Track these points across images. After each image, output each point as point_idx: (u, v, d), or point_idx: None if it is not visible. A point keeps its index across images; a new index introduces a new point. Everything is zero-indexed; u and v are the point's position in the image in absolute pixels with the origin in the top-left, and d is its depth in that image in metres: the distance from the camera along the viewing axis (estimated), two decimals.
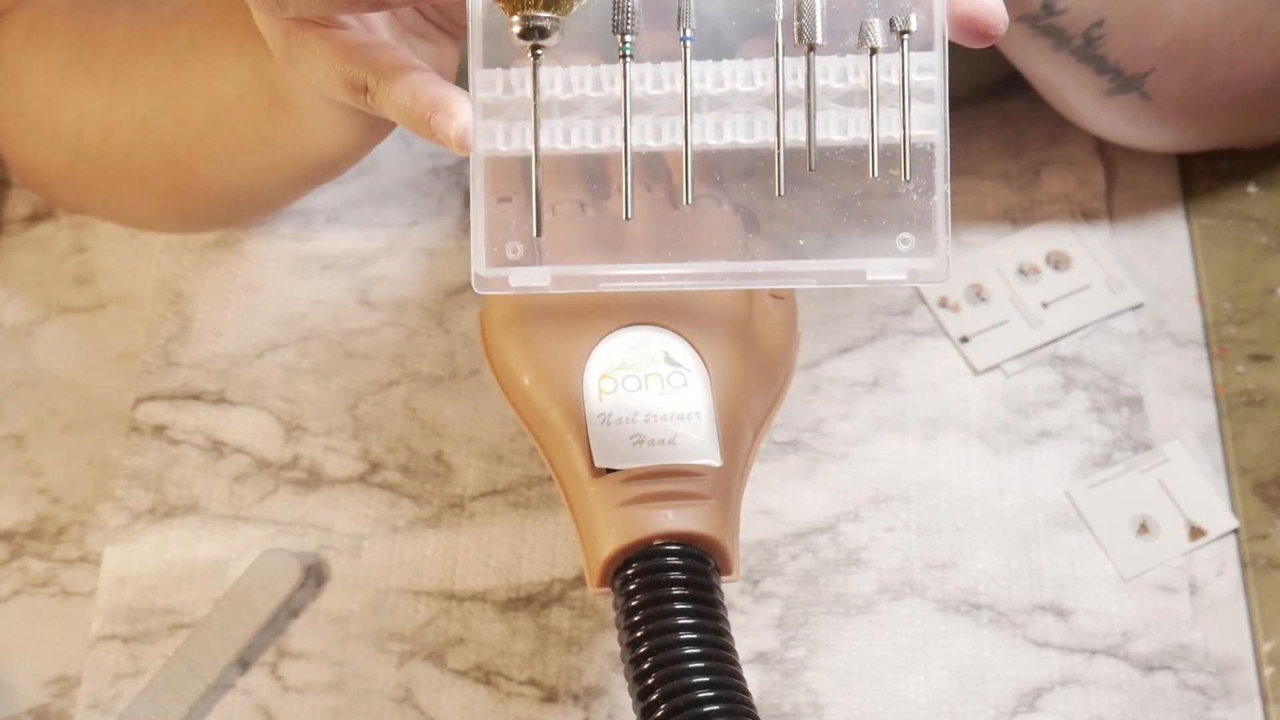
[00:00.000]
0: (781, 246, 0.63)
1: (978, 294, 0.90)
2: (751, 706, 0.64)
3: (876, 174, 0.60)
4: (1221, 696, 0.79)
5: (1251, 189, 0.93)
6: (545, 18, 0.59)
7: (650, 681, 0.63)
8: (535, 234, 0.60)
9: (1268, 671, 0.80)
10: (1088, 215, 0.92)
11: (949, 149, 0.60)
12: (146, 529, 0.84)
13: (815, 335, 0.88)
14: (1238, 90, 0.85)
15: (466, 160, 0.61)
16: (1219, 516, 0.83)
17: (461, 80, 0.63)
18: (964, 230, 0.92)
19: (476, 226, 0.61)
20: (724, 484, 0.67)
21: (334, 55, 0.61)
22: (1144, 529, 0.83)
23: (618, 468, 0.66)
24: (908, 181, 0.60)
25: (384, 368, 0.89)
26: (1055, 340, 0.88)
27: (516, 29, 0.59)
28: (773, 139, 0.60)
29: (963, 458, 0.85)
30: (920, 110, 0.60)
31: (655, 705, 0.63)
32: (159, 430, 0.87)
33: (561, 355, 0.68)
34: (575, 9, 0.59)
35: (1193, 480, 0.84)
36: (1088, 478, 0.85)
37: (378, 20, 0.65)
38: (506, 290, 0.62)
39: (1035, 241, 0.91)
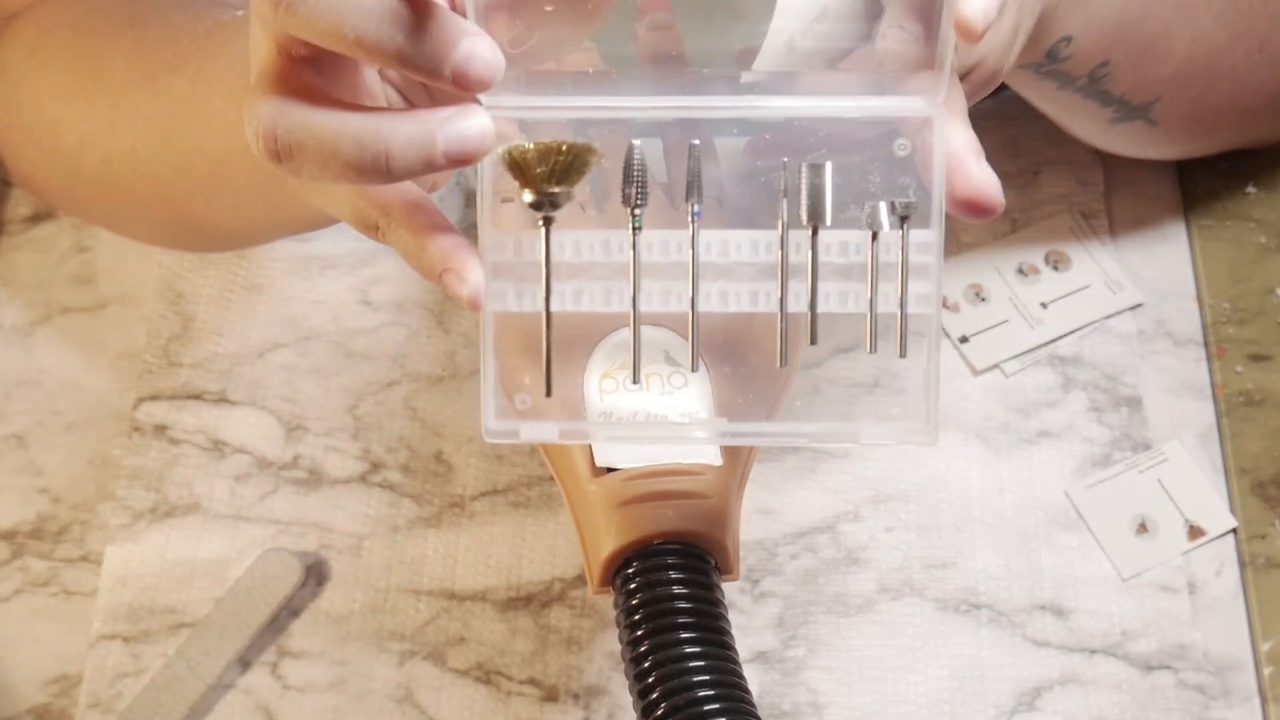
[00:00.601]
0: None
1: (977, 294, 0.90)
2: (751, 706, 0.64)
3: (874, 350, 0.62)
4: (1221, 696, 0.79)
5: (1251, 189, 0.93)
6: (557, 191, 0.60)
7: (650, 681, 0.63)
8: (546, 394, 0.62)
9: (1267, 671, 0.80)
10: (1087, 215, 0.92)
11: (940, 325, 0.63)
12: (147, 528, 0.85)
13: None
14: (1242, 106, 0.86)
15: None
16: (1218, 516, 0.83)
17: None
18: (964, 230, 0.92)
19: (486, 382, 0.63)
20: (724, 484, 0.67)
21: (347, 193, 0.61)
22: (1143, 529, 0.83)
23: (618, 467, 0.66)
24: (902, 358, 0.62)
25: (384, 368, 0.89)
26: (1054, 340, 0.88)
27: (528, 199, 0.60)
28: (774, 309, 0.62)
29: (962, 457, 0.85)
30: (916, 289, 0.62)
31: (655, 704, 0.63)
32: (160, 430, 0.87)
33: (562, 355, 0.68)
34: (584, 180, 0.61)
35: (1192, 480, 0.84)
36: (1087, 477, 0.85)
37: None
38: (515, 441, 0.64)
39: (1035, 242, 0.91)
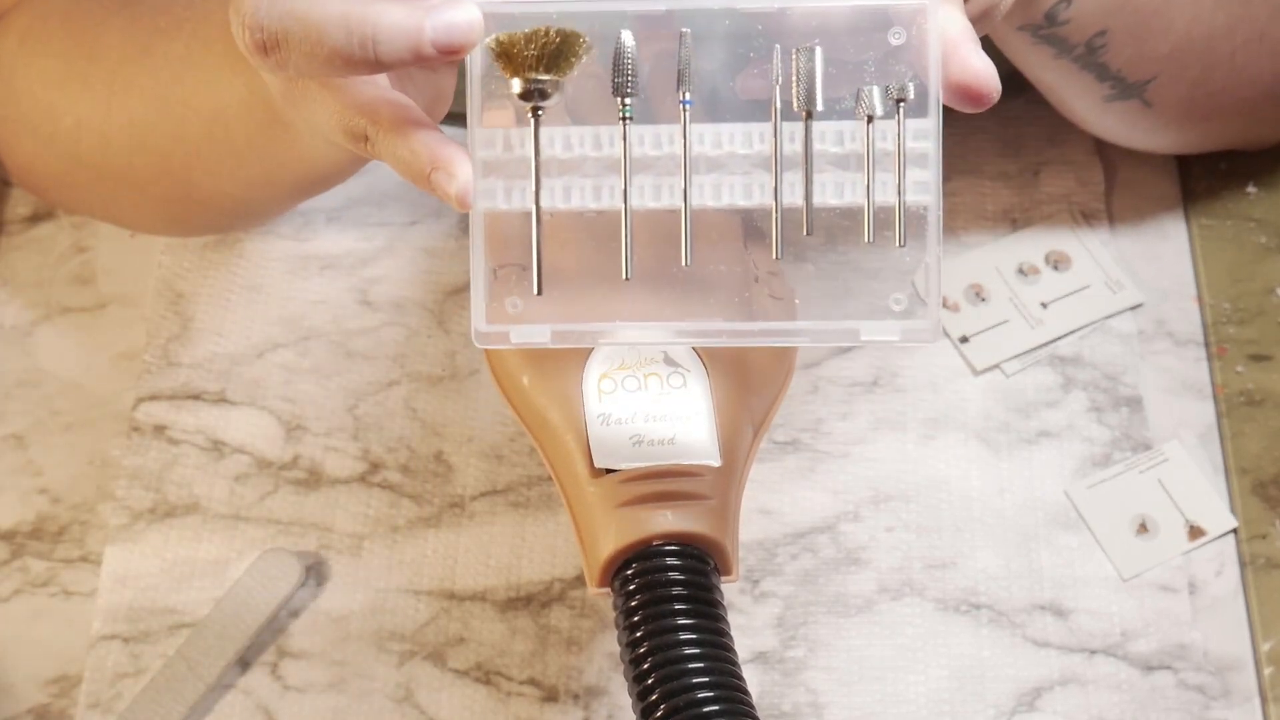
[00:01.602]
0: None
1: (977, 294, 0.90)
2: (751, 706, 0.64)
3: (871, 239, 0.61)
4: (1221, 696, 0.79)
5: (1251, 189, 0.93)
6: (545, 79, 0.60)
7: (650, 681, 0.63)
8: (536, 292, 0.61)
9: (1267, 671, 0.80)
10: (1087, 215, 0.92)
11: (941, 213, 0.61)
12: (147, 529, 0.85)
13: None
14: (1238, 96, 0.85)
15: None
16: (1218, 516, 0.83)
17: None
18: (964, 230, 0.92)
19: (476, 282, 0.62)
20: (724, 484, 0.67)
21: (334, 103, 0.61)
22: (1143, 529, 0.83)
23: (617, 468, 0.66)
24: (902, 246, 0.61)
25: (384, 368, 0.89)
26: (1055, 340, 0.88)
27: (517, 90, 0.60)
28: (770, 201, 0.61)
29: (962, 457, 0.85)
30: (915, 176, 0.61)
31: (655, 705, 0.63)
32: (159, 430, 0.87)
33: (561, 355, 0.69)
34: (575, 70, 0.60)
35: (1192, 480, 0.84)
36: (1087, 477, 0.85)
37: None
38: (507, 345, 0.63)
39: (1035, 241, 0.91)
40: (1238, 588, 0.82)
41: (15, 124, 0.87)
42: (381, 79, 0.65)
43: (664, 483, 0.66)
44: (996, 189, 0.93)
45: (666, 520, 0.65)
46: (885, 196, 0.61)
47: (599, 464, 0.66)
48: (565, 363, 0.68)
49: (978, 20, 0.65)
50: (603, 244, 0.63)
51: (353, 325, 0.90)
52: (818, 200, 0.61)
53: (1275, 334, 0.88)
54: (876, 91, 0.61)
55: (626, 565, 0.65)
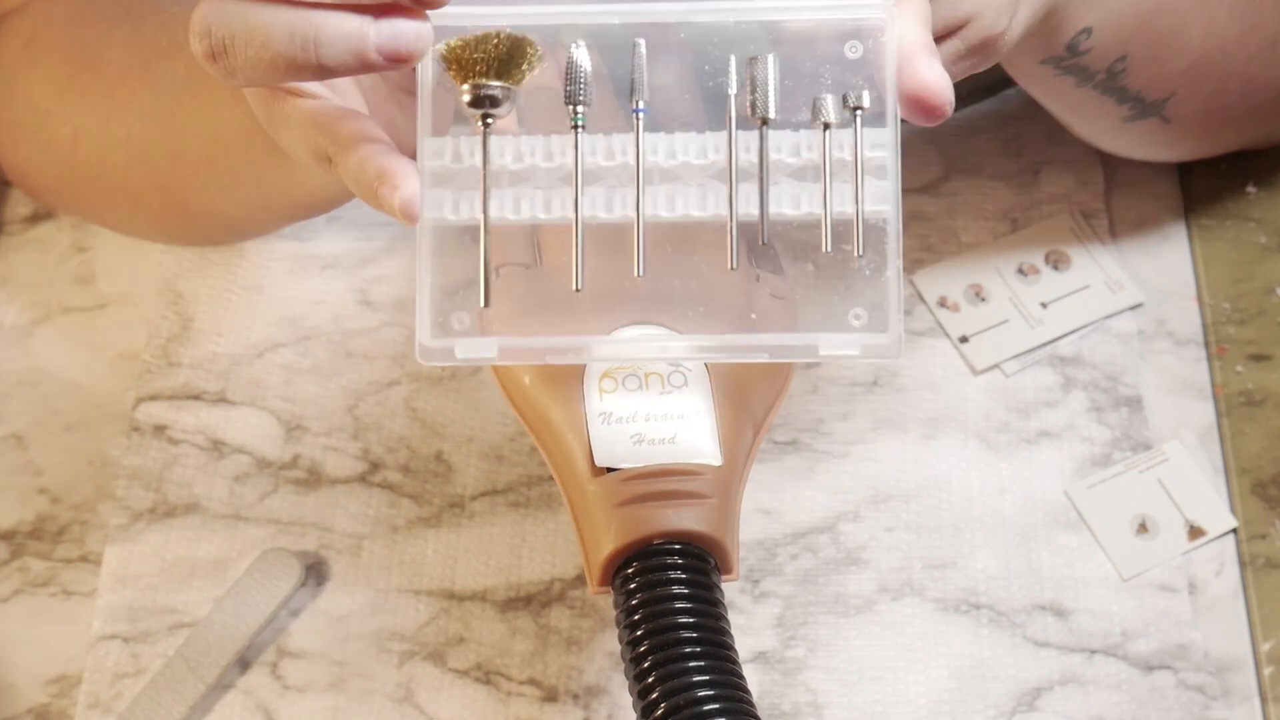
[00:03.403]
0: (735, 318, 0.64)
1: (977, 294, 0.90)
2: (751, 706, 0.64)
3: (829, 249, 0.60)
4: (1221, 696, 0.79)
5: (1251, 189, 0.93)
6: (496, 86, 0.59)
7: (650, 681, 0.63)
8: (483, 304, 0.60)
9: (1267, 671, 0.80)
10: (1087, 215, 0.92)
11: (901, 225, 0.61)
12: (147, 529, 0.85)
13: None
14: (1252, 103, 0.86)
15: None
16: (1218, 516, 0.83)
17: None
18: (963, 230, 0.92)
19: (422, 296, 0.61)
20: (724, 483, 0.67)
21: (304, 124, 0.60)
22: (1143, 529, 0.83)
23: (618, 467, 0.66)
24: (860, 257, 0.60)
25: (384, 368, 0.89)
26: (1054, 340, 0.88)
27: (467, 97, 0.59)
28: (724, 212, 0.60)
29: (962, 457, 0.85)
30: (873, 186, 0.60)
31: (655, 704, 0.63)
32: (159, 430, 0.87)
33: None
34: (526, 79, 0.59)
35: (1192, 480, 0.84)
36: (1087, 477, 0.85)
37: (347, 85, 0.64)
38: (452, 362, 0.62)
39: (1035, 241, 0.91)
40: (1238, 588, 0.82)
41: (13, 127, 0.87)
42: (354, 98, 0.64)
43: (665, 481, 0.66)
44: (996, 189, 0.93)
45: (667, 519, 0.65)
46: (843, 207, 0.60)
47: (600, 463, 0.66)
48: (567, 364, 0.68)
49: (979, 52, 0.65)
50: (599, 252, 0.63)
51: (353, 325, 0.90)
52: (774, 212, 0.60)
53: (1275, 334, 0.88)
54: (832, 100, 0.60)
55: (627, 564, 0.65)
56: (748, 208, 0.61)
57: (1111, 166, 0.94)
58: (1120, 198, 0.93)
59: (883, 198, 0.60)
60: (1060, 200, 0.93)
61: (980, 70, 0.66)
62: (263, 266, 0.92)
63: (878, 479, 0.85)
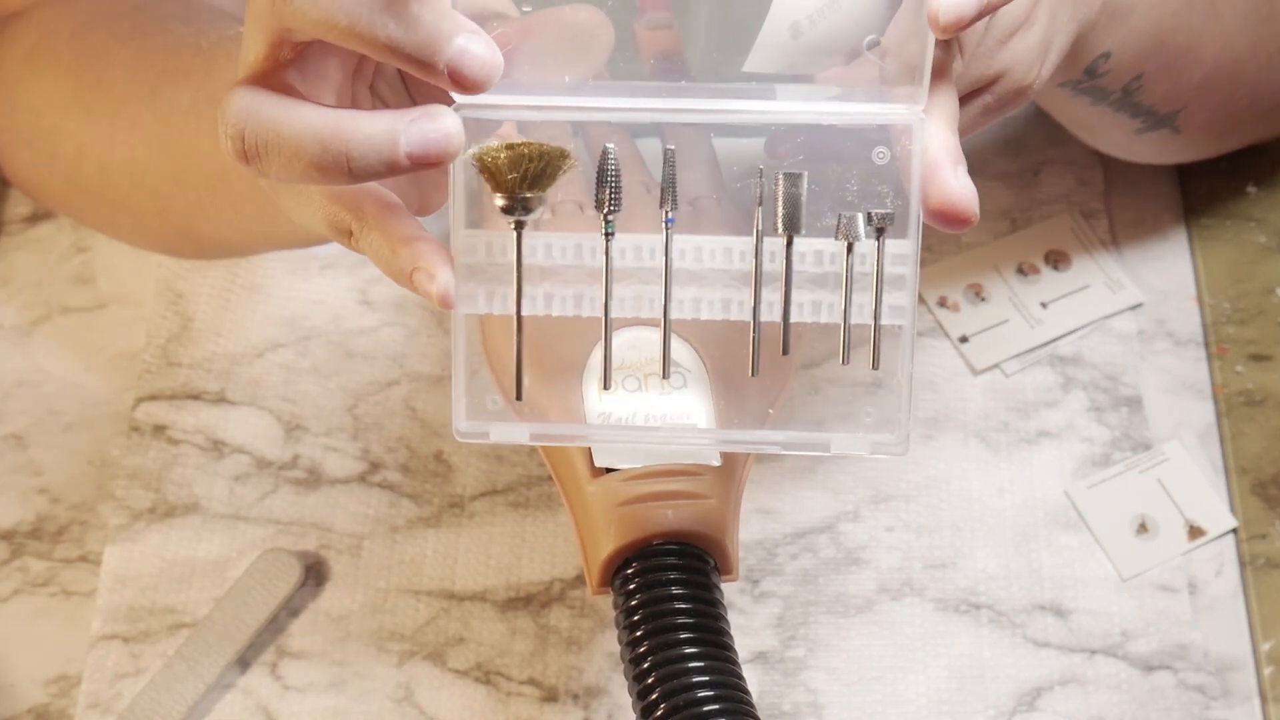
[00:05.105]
0: (752, 413, 0.66)
1: (977, 294, 0.90)
2: (751, 706, 0.64)
3: (847, 361, 0.62)
4: (1221, 696, 0.79)
5: (1251, 189, 0.93)
6: (529, 196, 0.60)
7: (650, 681, 0.63)
8: (516, 397, 0.62)
9: (1267, 671, 0.80)
10: (1087, 215, 0.92)
11: (914, 335, 0.62)
12: (146, 529, 0.85)
13: (815, 335, 0.88)
14: (1261, 109, 0.86)
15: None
16: (1218, 516, 0.83)
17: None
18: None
19: (458, 382, 0.63)
20: (724, 484, 0.67)
21: (319, 197, 0.60)
22: (1143, 529, 0.83)
23: (618, 467, 0.66)
24: (875, 369, 0.62)
25: (384, 368, 0.89)
26: (1054, 340, 0.88)
27: (500, 204, 0.60)
28: (748, 316, 0.62)
29: (962, 457, 0.85)
30: (891, 299, 0.62)
31: (655, 705, 0.63)
32: (159, 430, 0.87)
33: (562, 355, 0.68)
34: (557, 184, 0.60)
35: (1192, 480, 0.84)
36: (1087, 477, 0.85)
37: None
38: (486, 442, 0.64)
39: (1035, 241, 0.91)
40: (1237, 588, 0.82)
41: (15, 135, 0.87)
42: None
43: (664, 482, 0.66)
44: (996, 189, 0.93)
45: (667, 519, 0.65)
46: (862, 318, 0.62)
47: (599, 463, 0.66)
48: (566, 362, 0.68)
49: (1009, 103, 0.65)
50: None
51: (352, 325, 0.90)
52: (795, 319, 0.62)
53: (1275, 334, 0.88)
54: (860, 219, 0.61)
55: (627, 564, 0.65)
56: (771, 315, 0.62)
57: (1111, 166, 0.94)
58: (1120, 198, 0.93)
59: (900, 312, 0.62)
60: (1060, 200, 0.93)
61: (1007, 113, 0.66)
62: (263, 266, 0.92)
63: (877, 479, 0.85)
